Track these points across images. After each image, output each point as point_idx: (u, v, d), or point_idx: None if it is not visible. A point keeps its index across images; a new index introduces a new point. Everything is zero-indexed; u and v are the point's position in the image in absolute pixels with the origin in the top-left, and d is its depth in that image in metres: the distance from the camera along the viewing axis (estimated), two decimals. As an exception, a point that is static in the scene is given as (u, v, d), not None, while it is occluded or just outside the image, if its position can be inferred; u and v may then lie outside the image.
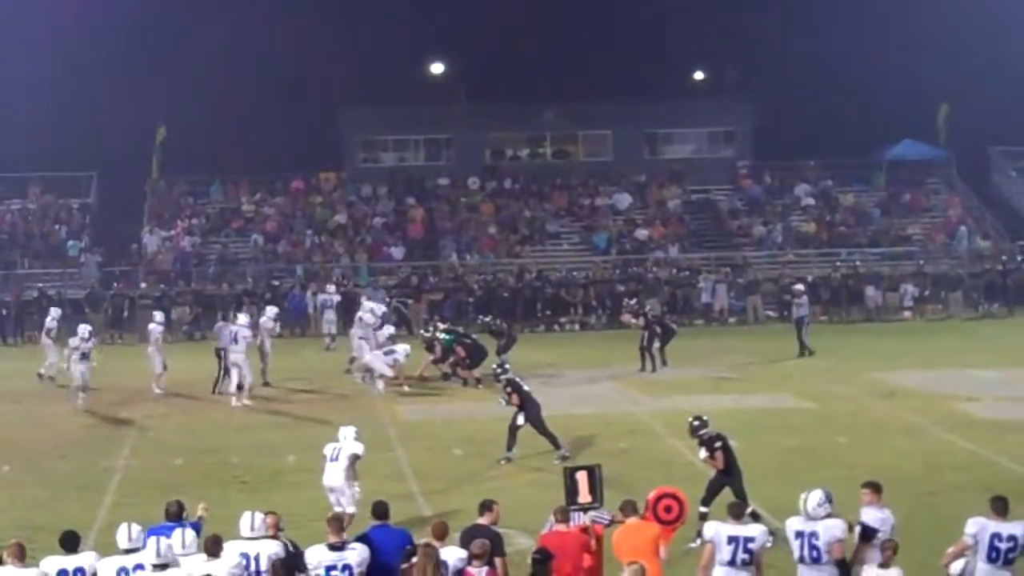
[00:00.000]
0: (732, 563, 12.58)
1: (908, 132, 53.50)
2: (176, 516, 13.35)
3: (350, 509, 16.77)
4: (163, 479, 20.95)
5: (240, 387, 28.47)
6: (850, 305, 44.15)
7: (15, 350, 39.75)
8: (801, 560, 12.59)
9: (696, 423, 17.78)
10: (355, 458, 17.64)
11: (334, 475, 17.66)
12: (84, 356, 28.39)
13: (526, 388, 22.58)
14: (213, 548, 12.18)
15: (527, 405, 22.19)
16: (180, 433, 25.19)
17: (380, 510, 13.21)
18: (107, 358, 32.58)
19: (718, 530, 12.71)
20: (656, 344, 32.31)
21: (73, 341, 28.81)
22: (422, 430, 25.33)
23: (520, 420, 21.96)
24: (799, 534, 12.62)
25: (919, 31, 50.30)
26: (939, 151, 54.02)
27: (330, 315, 39.28)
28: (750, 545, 12.58)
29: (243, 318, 30.21)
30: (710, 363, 33.39)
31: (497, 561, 12.44)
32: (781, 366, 32.66)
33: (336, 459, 17.63)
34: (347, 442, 17.73)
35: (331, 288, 40.54)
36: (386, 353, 30.00)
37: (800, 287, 36.99)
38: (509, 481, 19.88)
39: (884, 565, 12.47)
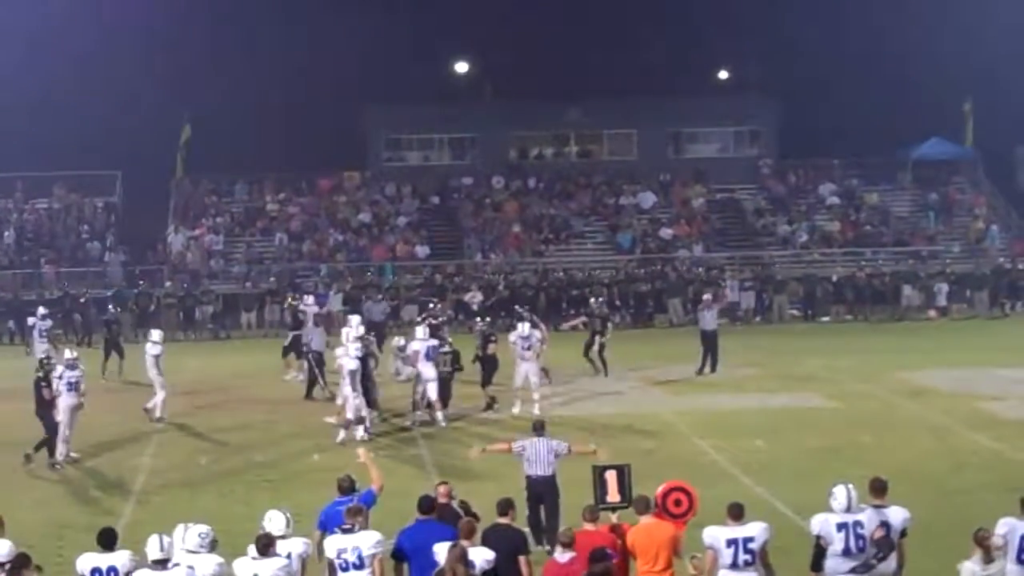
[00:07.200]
0: (735, 566, 12.31)
1: (934, 130, 53.21)
2: (349, 490, 13.58)
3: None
4: (188, 478, 21.00)
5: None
6: (875, 304, 43.99)
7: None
8: (846, 552, 12.41)
9: None
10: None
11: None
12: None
13: None
14: (264, 548, 12.04)
15: None
16: (205, 432, 25.21)
17: (425, 505, 13.11)
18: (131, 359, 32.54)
19: (715, 535, 12.38)
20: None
21: None
22: (445, 429, 25.22)
23: None
24: (842, 526, 12.43)
25: (945, 29, 50.03)
26: (965, 150, 53.74)
27: (42, 344, 33.79)
28: (750, 545, 12.33)
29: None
30: (735, 362, 33.28)
31: (521, 559, 12.43)
32: (806, 366, 32.52)
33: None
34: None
35: (42, 310, 36.22)
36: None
37: (709, 296, 33.88)
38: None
39: (988, 560, 12.09)
